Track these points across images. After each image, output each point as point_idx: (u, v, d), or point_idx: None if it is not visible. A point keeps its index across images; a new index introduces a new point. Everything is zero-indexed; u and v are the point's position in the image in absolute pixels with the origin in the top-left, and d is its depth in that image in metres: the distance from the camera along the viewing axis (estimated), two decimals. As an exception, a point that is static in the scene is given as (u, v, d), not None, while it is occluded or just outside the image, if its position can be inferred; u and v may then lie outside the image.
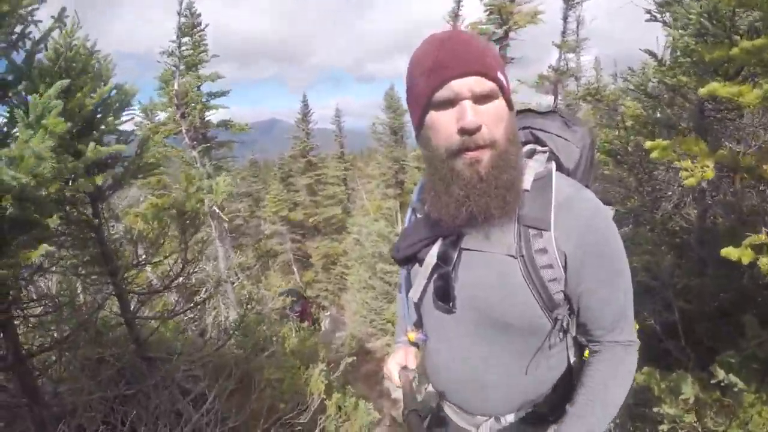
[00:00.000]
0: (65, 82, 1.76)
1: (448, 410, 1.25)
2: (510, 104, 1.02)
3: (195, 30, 8.31)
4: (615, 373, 1.07)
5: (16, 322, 2.15)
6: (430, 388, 1.31)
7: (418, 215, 1.24)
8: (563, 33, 9.50)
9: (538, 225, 1.01)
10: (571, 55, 9.96)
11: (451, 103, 0.96)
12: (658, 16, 4.06)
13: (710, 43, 2.73)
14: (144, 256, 2.85)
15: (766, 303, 3.03)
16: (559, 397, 1.13)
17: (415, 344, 1.36)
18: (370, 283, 13.09)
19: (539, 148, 1.15)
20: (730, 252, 2.02)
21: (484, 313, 1.07)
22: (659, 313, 3.47)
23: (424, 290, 1.17)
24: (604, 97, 5.52)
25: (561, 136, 1.15)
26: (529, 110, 1.25)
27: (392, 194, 16.34)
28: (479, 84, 0.94)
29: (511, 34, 8.33)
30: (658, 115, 4.07)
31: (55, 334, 2.55)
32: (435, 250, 1.11)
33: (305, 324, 9.17)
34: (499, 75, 0.97)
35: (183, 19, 7.56)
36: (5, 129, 1.61)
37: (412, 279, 1.21)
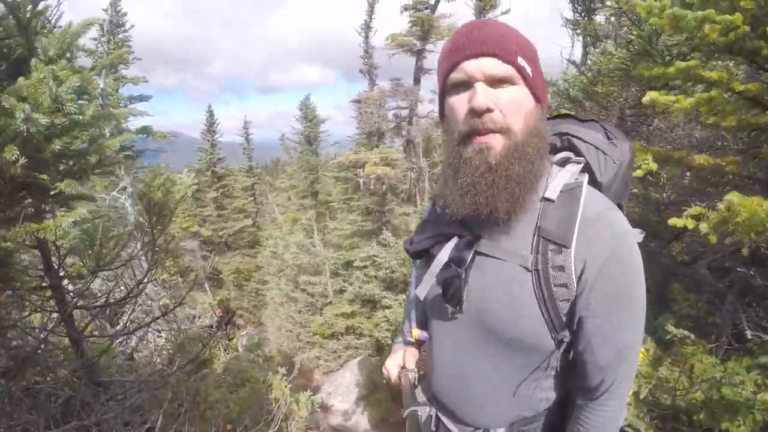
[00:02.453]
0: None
1: (441, 415, 1.20)
2: (537, 96, 0.97)
3: (119, 29, 7.59)
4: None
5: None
6: (421, 392, 1.28)
7: (438, 208, 1.18)
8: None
9: (558, 240, 0.94)
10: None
11: (465, 85, 0.94)
12: (578, 31, 4.63)
13: (648, 62, 3.21)
14: (95, 264, 2.53)
15: (685, 276, 3.56)
16: (554, 419, 1.10)
17: (417, 343, 1.35)
18: (293, 296, 12.75)
19: (574, 157, 1.09)
20: (675, 221, 2.38)
21: (488, 323, 1.03)
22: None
23: (432, 289, 1.12)
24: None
25: (599, 148, 1.08)
26: (570, 115, 1.20)
27: (308, 204, 16.14)
28: (493, 66, 0.91)
29: (429, 46, 8.78)
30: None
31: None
32: (448, 249, 1.07)
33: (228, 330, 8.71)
34: (521, 61, 0.93)
35: (108, 17, 6.84)
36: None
37: (421, 274, 1.16)
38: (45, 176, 1.41)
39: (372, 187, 13.18)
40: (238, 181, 20.48)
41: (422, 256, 1.17)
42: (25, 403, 2.29)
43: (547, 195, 0.99)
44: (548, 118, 1.19)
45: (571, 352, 1.02)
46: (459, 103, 0.95)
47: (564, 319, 0.97)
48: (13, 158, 1.26)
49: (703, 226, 2.35)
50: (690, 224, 2.41)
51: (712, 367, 2.65)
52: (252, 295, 17.58)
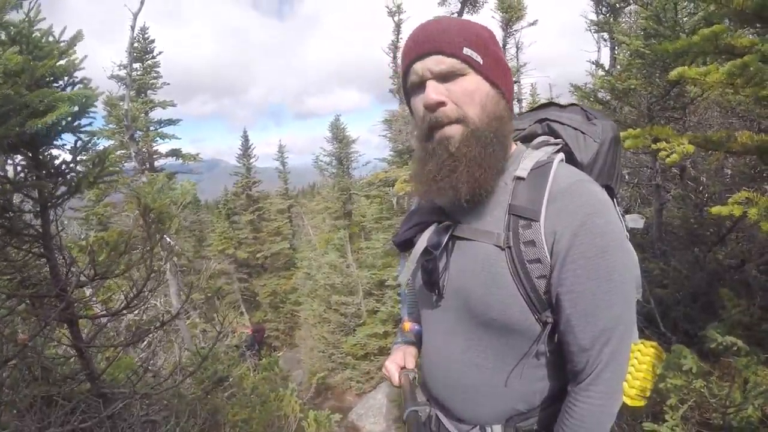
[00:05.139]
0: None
1: (439, 414, 1.17)
2: (492, 81, 0.98)
3: (147, 56, 8.00)
4: (591, 426, 0.97)
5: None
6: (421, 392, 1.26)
7: (422, 202, 1.22)
8: (502, 58, 10.09)
9: (527, 214, 0.94)
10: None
11: (420, 86, 0.98)
12: (599, 31, 4.41)
13: (662, 39, 2.97)
14: (99, 272, 2.51)
15: (734, 281, 3.21)
16: (552, 414, 1.03)
17: (412, 341, 1.35)
18: (325, 316, 12.69)
19: (552, 140, 1.09)
20: (720, 210, 2.10)
21: (470, 305, 1.02)
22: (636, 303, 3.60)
23: (415, 277, 1.15)
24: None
25: (578, 129, 1.08)
26: (551, 103, 1.22)
27: (341, 225, 16.18)
28: (437, 62, 0.95)
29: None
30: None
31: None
32: (427, 235, 1.09)
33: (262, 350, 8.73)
34: (467, 50, 0.94)
35: (136, 44, 7.22)
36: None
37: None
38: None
39: (406, 206, 13.09)
40: (274, 204, 20.87)
41: (409, 247, 1.17)
42: (19, 409, 2.25)
43: (518, 174, 0.99)
44: (532, 109, 1.24)
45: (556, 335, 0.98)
46: (418, 102, 0.99)
47: (544, 298, 0.95)
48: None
49: (753, 212, 2.06)
50: (737, 211, 2.12)
51: (768, 381, 2.30)
52: (287, 317, 17.66)
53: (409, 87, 1.02)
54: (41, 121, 1.53)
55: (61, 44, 2.09)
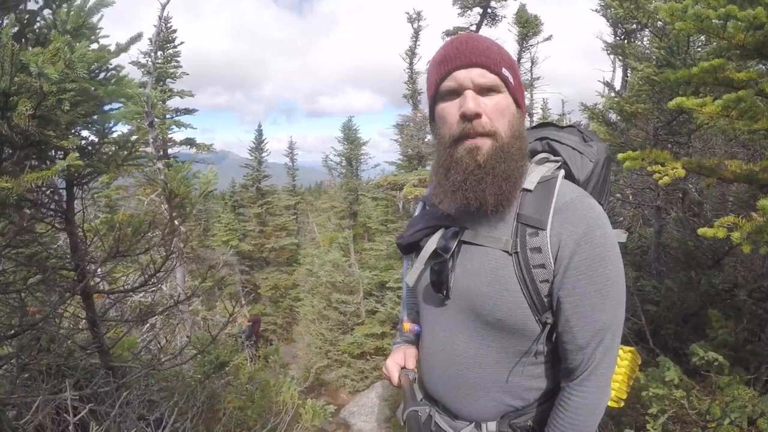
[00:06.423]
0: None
1: (434, 412, 1.22)
2: (517, 102, 1.08)
3: (168, 45, 8.17)
4: (585, 418, 1.04)
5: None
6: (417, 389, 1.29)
7: (428, 207, 1.29)
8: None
9: (534, 223, 1.02)
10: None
11: (455, 93, 1.04)
12: (613, 54, 4.52)
13: (672, 69, 3.08)
14: (122, 249, 2.64)
15: (724, 304, 3.29)
16: (545, 411, 1.11)
17: (411, 340, 1.39)
18: (325, 313, 12.79)
19: (552, 157, 1.18)
20: (706, 231, 2.21)
21: (475, 306, 1.07)
22: (627, 320, 3.68)
23: (420, 278, 1.20)
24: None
25: (575, 149, 1.17)
26: (550, 123, 1.31)
27: (346, 225, 16.28)
28: (481, 75, 1.01)
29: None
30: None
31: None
32: (435, 239, 1.14)
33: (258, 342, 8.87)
34: (505, 71, 1.03)
35: (161, 33, 7.39)
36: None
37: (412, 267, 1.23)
38: (51, 132, 1.50)
39: (411, 210, 13.19)
40: (281, 199, 21.01)
41: (413, 250, 1.24)
42: (35, 378, 2.38)
43: (526, 186, 1.08)
44: (532, 127, 1.30)
45: (554, 335, 1.06)
46: (450, 109, 1.05)
47: (545, 300, 1.03)
48: (29, 113, 1.37)
49: (736, 236, 2.18)
50: (721, 233, 2.24)
51: (749, 400, 2.40)
52: (286, 312, 17.75)
53: (440, 92, 1.06)
54: (113, 117, 1.66)
55: (98, 31, 2.23)
